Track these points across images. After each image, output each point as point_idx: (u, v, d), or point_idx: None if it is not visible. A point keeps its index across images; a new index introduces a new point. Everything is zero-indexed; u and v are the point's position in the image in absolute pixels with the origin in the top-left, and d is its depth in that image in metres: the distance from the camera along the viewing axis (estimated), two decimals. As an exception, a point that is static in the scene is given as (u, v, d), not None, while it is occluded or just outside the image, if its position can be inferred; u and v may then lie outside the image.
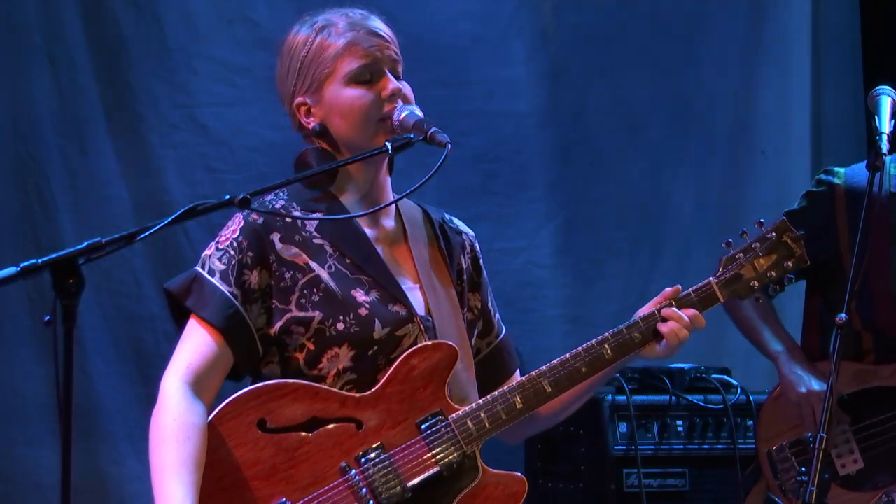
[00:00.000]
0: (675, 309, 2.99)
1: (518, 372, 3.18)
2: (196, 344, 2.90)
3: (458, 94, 5.26)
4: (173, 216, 2.58)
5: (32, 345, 4.77)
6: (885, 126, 3.42)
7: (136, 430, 4.89)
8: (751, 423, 4.74)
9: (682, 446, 4.79)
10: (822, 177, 4.13)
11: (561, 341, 5.36)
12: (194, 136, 5.06)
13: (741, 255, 3.07)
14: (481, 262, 3.19)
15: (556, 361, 2.96)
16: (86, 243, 2.45)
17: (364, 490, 2.81)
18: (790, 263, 3.08)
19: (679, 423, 4.79)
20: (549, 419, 3.13)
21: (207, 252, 2.96)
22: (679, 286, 3.04)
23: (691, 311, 3.00)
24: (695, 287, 3.04)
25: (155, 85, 5.01)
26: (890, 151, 3.37)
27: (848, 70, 5.89)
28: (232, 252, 2.92)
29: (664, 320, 2.99)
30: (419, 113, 2.95)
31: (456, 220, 3.20)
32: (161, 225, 2.56)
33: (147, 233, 2.54)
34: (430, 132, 2.87)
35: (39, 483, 4.70)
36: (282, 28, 5.14)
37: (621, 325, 3.00)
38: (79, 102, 4.92)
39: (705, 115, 5.79)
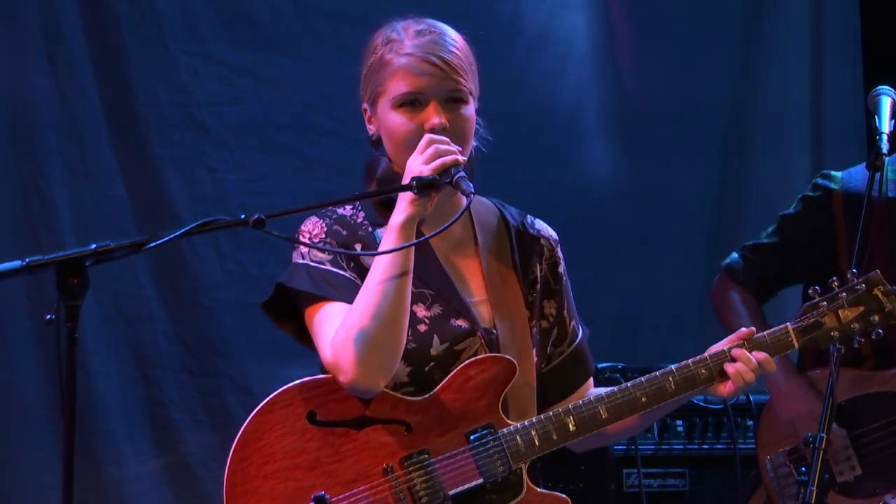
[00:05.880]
0: (745, 350, 2.96)
1: (591, 380, 3.13)
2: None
3: (458, 94, 5.25)
4: (185, 229, 2.57)
5: (32, 345, 4.76)
6: (885, 126, 3.41)
7: (136, 430, 4.89)
8: (751, 423, 4.73)
9: (682, 446, 4.79)
10: (819, 181, 4.10)
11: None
12: (194, 136, 5.06)
13: (824, 302, 3.01)
14: (560, 268, 3.12)
15: (616, 388, 2.93)
16: (94, 246, 2.44)
17: (404, 493, 2.81)
18: (877, 318, 3.02)
19: (679, 423, 4.78)
20: (612, 436, 3.09)
21: (300, 255, 2.90)
22: (753, 328, 3.00)
23: (762, 355, 2.96)
24: (770, 331, 3.00)
25: (154, 84, 5.01)
26: (889, 152, 3.36)
27: (848, 70, 5.89)
28: (328, 250, 2.88)
29: (733, 360, 2.95)
30: None
31: (538, 223, 3.15)
32: (171, 237, 2.54)
33: (157, 242, 2.53)
34: (455, 177, 2.80)
35: (40, 483, 4.70)
36: (281, 28, 5.17)
37: (688, 360, 2.96)
38: (79, 102, 4.92)
39: (705, 115, 5.79)
